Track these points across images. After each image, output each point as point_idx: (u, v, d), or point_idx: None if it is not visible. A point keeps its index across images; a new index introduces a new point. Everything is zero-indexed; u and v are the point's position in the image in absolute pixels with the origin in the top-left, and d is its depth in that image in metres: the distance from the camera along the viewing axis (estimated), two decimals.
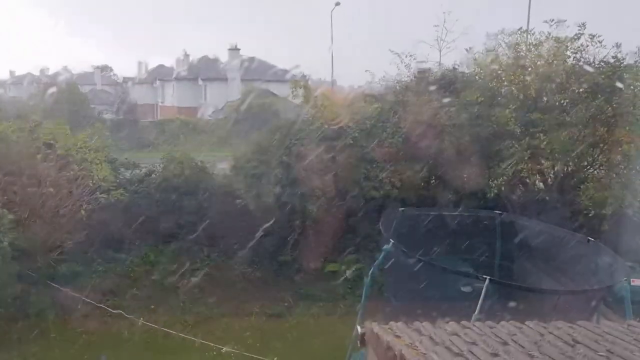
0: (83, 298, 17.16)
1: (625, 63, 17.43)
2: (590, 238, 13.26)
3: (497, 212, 16.04)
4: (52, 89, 41.42)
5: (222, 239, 20.04)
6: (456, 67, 20.81)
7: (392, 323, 6.37)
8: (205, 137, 38.89)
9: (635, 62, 17.58)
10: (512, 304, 9.53)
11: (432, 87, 19.32)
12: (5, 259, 14.88)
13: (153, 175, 21.29)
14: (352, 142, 19.08)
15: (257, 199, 19.56)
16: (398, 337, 5.89)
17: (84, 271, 18.74)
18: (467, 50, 20.43)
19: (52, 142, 17.72)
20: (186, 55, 57.53)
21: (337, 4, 42.33)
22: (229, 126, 35.97)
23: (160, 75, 58.87)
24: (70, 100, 40.35)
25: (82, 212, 17.19)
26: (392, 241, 11.84)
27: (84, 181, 17.51)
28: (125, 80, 64.92)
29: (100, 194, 18.15)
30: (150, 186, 20.84)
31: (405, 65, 20.73)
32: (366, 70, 22.41)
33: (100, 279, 18.68)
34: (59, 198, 16.78)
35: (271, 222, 19.25)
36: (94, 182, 17.72)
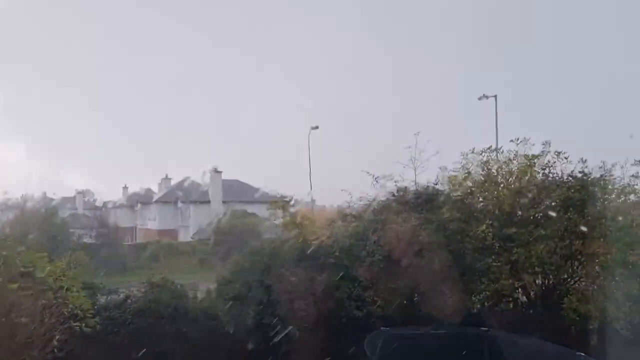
0: None
1: (592, 177, 18.18)
2: (580, 353, 13.10)
3: (484, 328, 15.85)
4: (32, 215, 41.41)
5: None
6: (431, 185, 21.39)
7: None
8: (185, 259, 38.63)
9: (602, 175, 18.31)
10: None
11: (409, 206, 19.75)
12: None
13: (129, 301, 20.77)
14: (333, 261, 19.06)
15: (238, 322, 19.09)
16: None
17: None
18: (441, 169, 21.10)
19: (29, 270, 17.34)
20: (167, 179, 58.68)
21: (314, 127, 44.41)
22: (210, 248, 35.87)
23: (140, 198, 59.49)
24: (50, 226, 40.24)
25: (55, 342, 16.44)
26: None
27: (59, 309, 16.93)
28: (106, 204, 65.32)
29: (74, 322, 17.49)
30: (126, 312, 20.22)
31: (381, 185, 21.26)
32: (342, 190, 22.86)
33: None
34: (32, 328, 16.11)
35: (253, 345, 18.71)
36: (69, 310, 17.15)
